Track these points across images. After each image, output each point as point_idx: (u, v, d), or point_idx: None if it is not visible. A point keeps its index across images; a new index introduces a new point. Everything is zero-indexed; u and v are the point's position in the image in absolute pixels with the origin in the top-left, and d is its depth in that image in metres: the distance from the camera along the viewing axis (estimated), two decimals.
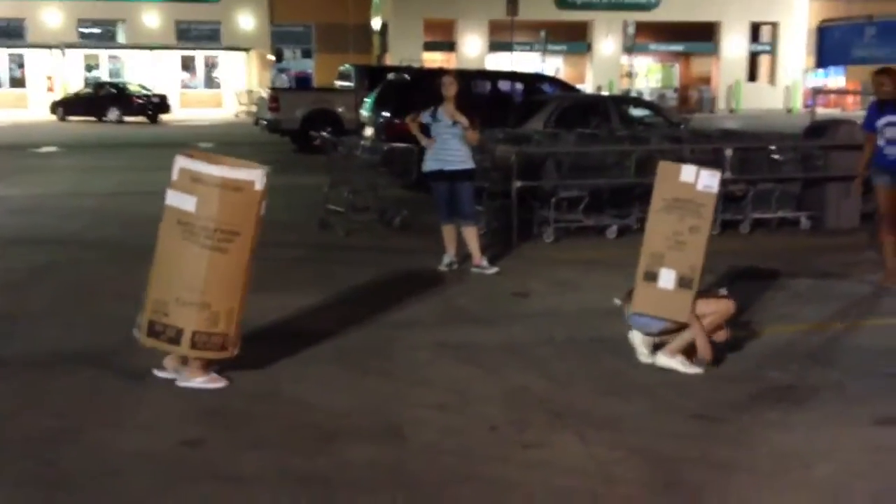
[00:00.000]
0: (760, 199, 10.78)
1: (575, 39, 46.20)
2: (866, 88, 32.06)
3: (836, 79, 43.82)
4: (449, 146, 8.44)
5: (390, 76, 17.86)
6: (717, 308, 5.76)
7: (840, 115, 17.87)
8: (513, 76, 18.55)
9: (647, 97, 31.67)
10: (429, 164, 8.60)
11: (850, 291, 7.86)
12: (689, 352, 5.77)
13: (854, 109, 36.36)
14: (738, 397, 5.28)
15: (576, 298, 7.73)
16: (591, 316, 7.09)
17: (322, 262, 9.31)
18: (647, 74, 48.32)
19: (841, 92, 34.21)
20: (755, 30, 48.27)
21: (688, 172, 5.74)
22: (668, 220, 5.74)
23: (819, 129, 11.31)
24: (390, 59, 41.31)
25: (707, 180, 5.69)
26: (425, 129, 8.62)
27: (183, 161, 5.19)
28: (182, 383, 5.45)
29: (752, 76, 48.11)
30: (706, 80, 47.91)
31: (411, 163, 11.36)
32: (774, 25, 48.02)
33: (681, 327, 5.77)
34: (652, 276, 5.76)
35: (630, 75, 42.68)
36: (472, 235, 8.66)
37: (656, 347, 5.89)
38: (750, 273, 8.50)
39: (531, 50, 44.01)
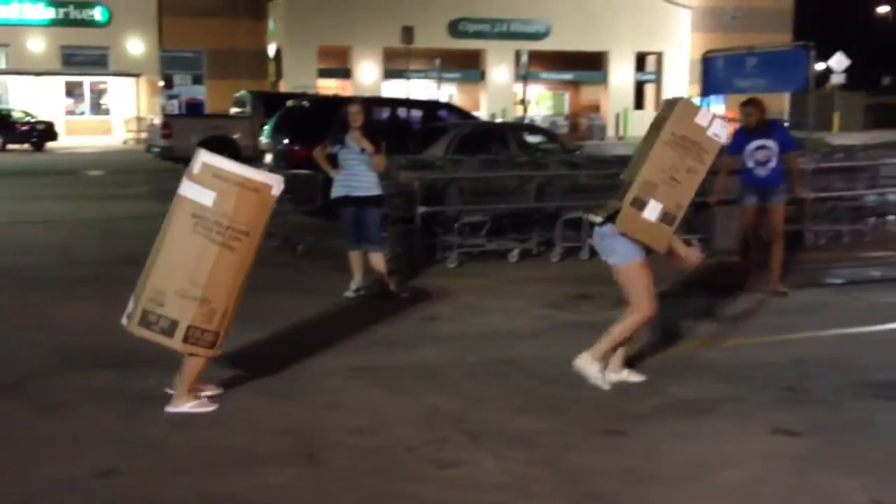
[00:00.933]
0: None
1: (469, 67, 46.95)
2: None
3: (716, 107, 45.64)
4: (357, 172, 8.54)
5: (289, 103, 17.85)
6: (687, 254, 5.86)
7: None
8: (412, 103, 18.79)
9: (539, 124, 32.32)
10: (337, 191, 8.68)
11: (742, 308, 8.23)
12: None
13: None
14: (644, 411, 5.50)
15: (483, 321, 7.89)
16: (498, 338, 7.27)
17: None
18: (539, 102, 49.41)
19: (732, 120, 35.64)
20: (641, 59, 49.94)
21: (704, 115, 5.70)
22: (670, 156, 5.63)
23: None
24: (285, 86, 41.16)
25: (718, 128, 5.69)
26: (332, 159, 8.71)
27: (206, 156, 5.32)
28: (171, 409, 5.43)
29: (639, 104, 49.70)
30: (595, 108, 49.28)
31: (315, 189, 11.40)
32: (659, 55, 49.78)
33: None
34: (640, 205, 5.61)
35: (523, 102, 43.57)
36: (379, 261, 8.76)
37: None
38: None
39: (426, 77, 44.52)
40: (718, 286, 9.04)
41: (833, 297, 8.87)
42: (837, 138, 24.62)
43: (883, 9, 63.87)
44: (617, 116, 46.76)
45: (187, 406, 5.45)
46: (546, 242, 10.90)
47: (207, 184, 5.26)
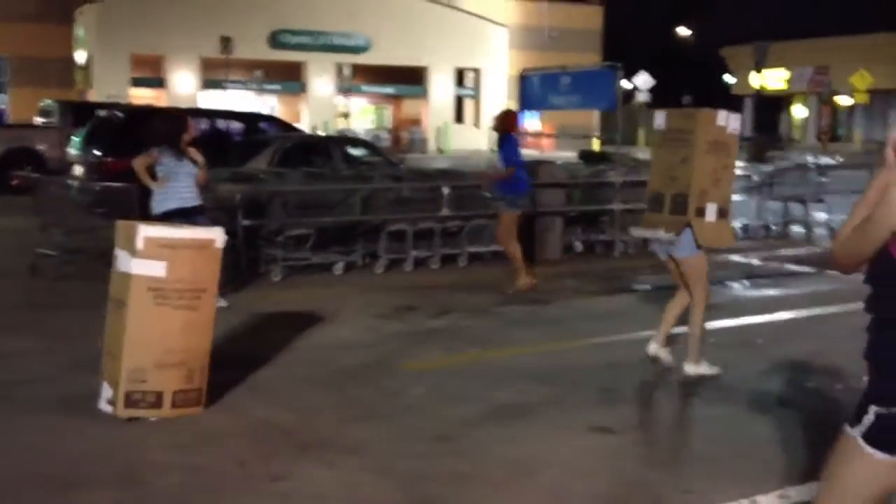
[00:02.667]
0: (475, 234, 11.49)
1: (289, 79, 46.60)
2: (560, 131, 34.93)
3: (531, 122, 47.26)
4: (185, 184, 8.47)
5: (101, 113, 17.20)
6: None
7: (540, 156, 19.35)
8: (232, 115, 18.50)
9: (362, 138, 32.51)
10: (168, 203, 8.50)
11: (556, 315, 8.61)
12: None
13: (549, 150, 39.34)
14: (469, 417, 5.68)
15: (310, 334, 7.88)
16: (327, 349, 7.30)
17: (38, 308, 8.83)
18: (361, 115, 49.60)
19: (547, 135, 36.92)
20: (460, 75, 51.05)
21: (722, 117, 6.42)
22: (709, 160, 6.33)
23: None
24: (96, 95, 39.53)
25: (735, 123, 6.45)
26: (151, 171, 8.56)
27: (147, 230, 5.44)
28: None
29: (459, 118, 50.79)
30: (417, 122, 49.95)
31: (130, 203, 11.06)
32: (477, 71, 51.04)
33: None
34: (701, 212, 6.29)
35: (346, 116, 43.65)
36: None
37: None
38: (467, 303, 9.07)
39: (245, 88, 43.86)
40: (532, 297, 9.39)
41: (640, 302, 9.42)
42: (642, 153, 26.02)
43: (683, 31, 67.92)
44: (438, 130, 47.56)
45: None
46: (370, 254, 11.01)
47: (156, 255, 5.38)
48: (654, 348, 6.66)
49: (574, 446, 5.21)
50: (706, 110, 6.59)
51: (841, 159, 20.33)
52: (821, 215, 13.81)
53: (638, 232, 7.02)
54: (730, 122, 6.45)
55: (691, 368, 6.49)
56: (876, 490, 2.61)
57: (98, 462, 4.90)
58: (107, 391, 5.51)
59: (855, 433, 2.61)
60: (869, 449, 2.58)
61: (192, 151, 8.46)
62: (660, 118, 6.71)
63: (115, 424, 5.48)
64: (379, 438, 5.30)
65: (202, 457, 5.02)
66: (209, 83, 44.07)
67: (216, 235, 5.64)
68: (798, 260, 11.50)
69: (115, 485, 4.62)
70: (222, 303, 8.60)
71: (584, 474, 4.81)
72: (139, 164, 8.59)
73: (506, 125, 9.67)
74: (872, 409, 2.59)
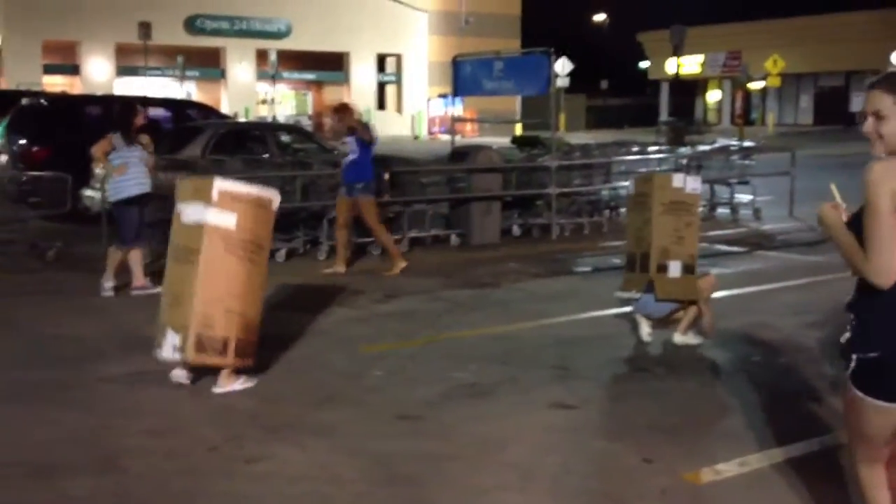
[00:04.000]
0: (415, 219, 11.61)
1: (208, 65, 45.90)
2: (482, 116, 35.14)
3: (453, 108, 47.45)
4: (140, 170, 8.62)
5: (24, 101, 16.75)
6: (711, 283, 6.90)
7: (468, 142, 19.50)
8: (161, 102, 18.20)
9: (298, 125, 32.25)
10: (130, 189, 8.63)
11: (503, 298, 8.79)
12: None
13: (472, 136, 39.55)
14: (433, 397, 5.81)
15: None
16: (276, 337, 7.30)
17: None
18: (282, 102, 49.14)
19: (475, 120, 37.11)
20: (382, 61, 50.94)
21: (678, 179, 6.96)
22: (668, 220, 6.78)
23: (461, 154, 12.41)
24: (6, 83, 38.37)
25: (693, 184, 6.94)
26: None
27: (222, 183, 5.74)
28: (219, 390, 5.77)
29: (382, 105, 50.70)
30: None
31: (63, 192, 10.88)
32: (399, 57, 51.02)
33: (684, 307, 6.82)
34: (663, 268, 6.73)
35: (266, 102, 43.16)
36: (139, 257, 8.81)
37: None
38: (414, 287, 9.18)
39: (163, 75, 43.08)
40: (477, 280, 9.57)
41: (583, 283, 9.67)
42: (567, 138, 26.39)
43: (600, 17, 68.89)
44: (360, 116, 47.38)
45: (237, 385, 5.83)
46: (312, 241, 11.03)
47: (228, 207, 5.68)
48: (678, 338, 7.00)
49: (536, 422, 5.38)
50: (660, 176, 7.21)
51: (764, 142, 20.96)
52: (746, 196, 14.28)
53: (618, 294, 7.34)
54: (688, 183, 6.91)
55: (679, 338, 6.92)
56: (886, 429, 3.08)
57: (72, 450, 4.91)
58: (172, 338, 5.67)
59: (849, 382, 3.07)
60: (859, 393, 3.04)
61: (143, 137, 8.62)
62: (630, 183, 7.33)
63: (84, 413, 5.49)
64: (346, 420, 5.39)
65: (174, 441, 5.05)
66: (125, 70, 43.16)
67: (275, 196, 6.02)
68: (727, 241, 11.89)
69: (90, 471, 4.64)
70: (156, 289, 8.66)
71: (550, 449, 4.98)
72: (99, 149, 8.63)
73: (349, 119, 9.88)
74: (854, 357, 3.06)
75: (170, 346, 5.73)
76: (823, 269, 9.93)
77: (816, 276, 9.49)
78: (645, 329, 7.03)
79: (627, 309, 7.41)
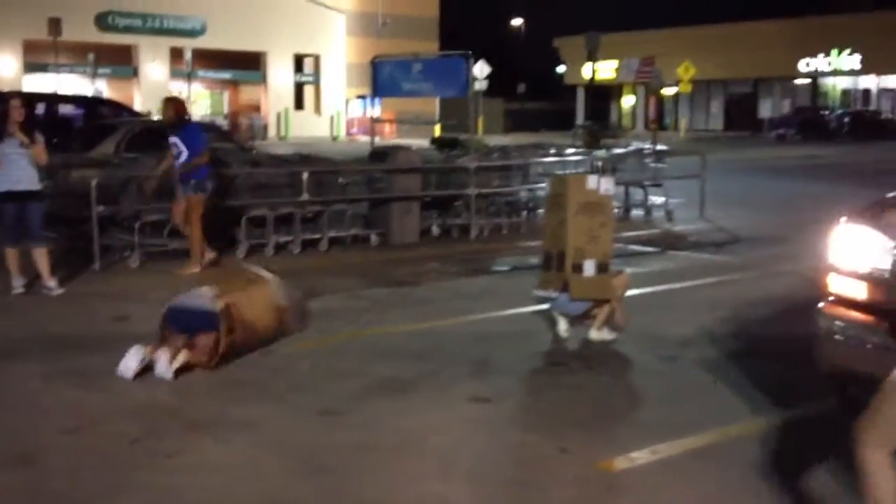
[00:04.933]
0: (334, 219, 11.62)
1: (120, 63, 44.98)
2: (400, 117, 35.24)
3: (372, 110, 47.50)
4: (19, 167, 8.41)
5: None
6: (624, 281, 7.15)
7: (389, 143, 19.56)
8: (71, 100, 17.84)
9: (212, 123, 31.82)
10: (2, 185, 8.39)
11: (424, 296, 8.87)
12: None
13: (390, 137, 39.59)
14: (355, 391, 5.87)
15: None
16: None
17: None
18: (196, 101, 48.42)
19: (394, 121, 37.11)
20: (299, 61, 50.62)
21: (592, 181, 7.03)
22: (583, 221, 6.89)
23: (381, 154, 12.47)
24: None
25: (606, 185, 7.04)
26: None
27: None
28: None
29: (300, 105, 50.36)
30: (256, 108, 49.21)
31: None
32: (316, 58, 50.76)
33: (599, 305, 6.98)
34: (578, 268, 6.86)
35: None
36: (42, 257, 8.65)
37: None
38: (334, 286, 9.21)
39: (72, 72, 42.07)
40: (397, 279, 9.64)
41: (501, 281, 9.82)
42: (485, 140, 26.63)
43: (517, 21, 69.63)
44: (278, 117, 47.01)
45: None
46: (229, 240, 10.95)
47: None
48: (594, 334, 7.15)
49: (456, 415, 5.48)
50: (574, 177, 7.36)
51: (674, 145, 21.49)
52: (658, 198, 14.65)
53: (537, 292, 7.47)
54: (601, 184, 7.05)
55: (595, 334, 7.07)
56: None
57: None
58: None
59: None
60: None
61: (28, 133, 8.37)
62: (546, 184, 7.51)
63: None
64: (268, 415, 5.41)
65: (91, 437, 5.02)
66: (33, 66, 42.01)
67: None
68: (640, 241, 12.19)
69: (6, 467, 4.58)
70: (58, 290, 8.55)
71: (469, 440, 5.08)
72: None
73: (178, 112, 9.84)
74: None
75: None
76: (732, 268, 10.30)
77: (725, 275, 9.83)
78: (562, 326, 7.19)
79: (545, 306, 7.57)
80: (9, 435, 5.05)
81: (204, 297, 6.45)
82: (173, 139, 9.69)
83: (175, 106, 9.92)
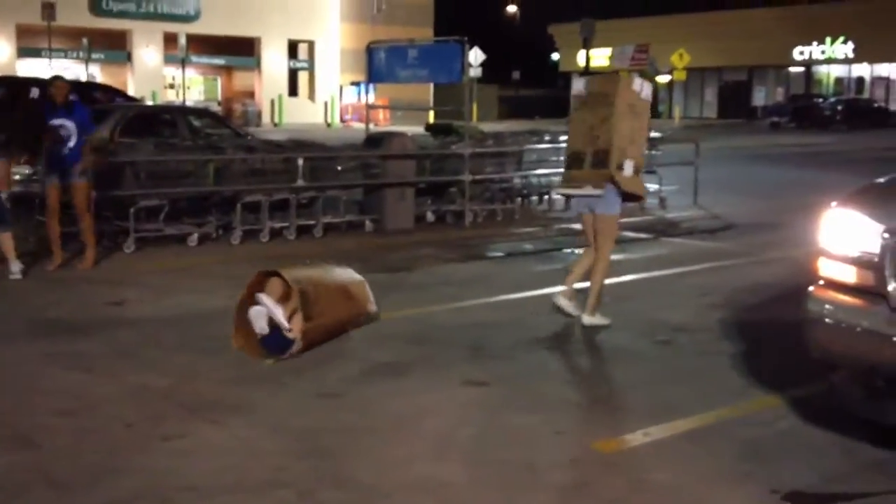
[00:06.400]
0: (329, 205, 11.65)
1: (114, 48, 44.83)
2: (396, 104, 35.23)
3: (367, 96, 47.35)
4: None
5: None
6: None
7: (381, 130, 19.54)
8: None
9: (210, 109, 31.79)
10: None
11: (418, 282, 8.92)
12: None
13: (385, 124, 39.51)
14: (352, 375, 5.91)
15: (172, 304, 7.89)
16: (194, 318, 7.35)
17: None
18: (190, 86, 48.30)
19: (388, 107, 37.11)
20: (293, 47, 50.44)
21: (637, 83, 7.06)
22: (628, 123, 6.94)
23: (375, 140, 12.48)
24: None
25: (647, 90, 7.09)
26: None
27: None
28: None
29: (294, 91, 50.22)
30: (250, 94, 49.06)
31: None
32: (311, 44, 50.59)
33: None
34: (620, 167, 6.89)
35: (173, 86, 42.34)
36: (7, 240, 8.60)
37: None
38: None
39: (66, 57, 41.92)
40: (392, 265, 9.68)
41: (495, 267, 9.87)
42: (479, 127, 26.63)
43: (511, 8, 69.47)
44: (272, 103, 46.90)
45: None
46: (224, 226, 10.98)
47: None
48: (561, 301, 7.20)
49: (451, 398, 5.54)
50: (626, 77, 7.22)
51: (669, 132, 21.53)
52: (652, 185, 14.68)
53: (563, 191, 7.55)
54: (643, 88, 7.06)
55: (588, 319, 7.07)
56: None
57: None
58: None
59: None
60: None
61: None
62: (578, 83, 7.31)
63: None
64: (265, 398, 5.46)
65: (88, 420, 5.05)
66: (27, 51, 41.85)
67: None
68: (634, 227, 12.23)
69: (6, 448, 4.62)
70: (17, 275, 8.54)
71: (464, 422, 5.14)
72: None
73: (66, 92, 9.05)
74: None
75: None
76: (725, 254, 10.35)
77: (718, 262, 9.88)
78: (567, 304, 7.22)
79: (539, 292, 7.63)
80: (6, 416, 5.08)
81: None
82: (60, 120, 8.92)
83: (65, 85, 9.13)
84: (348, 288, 6.92)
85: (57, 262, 9.09)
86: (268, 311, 6.27)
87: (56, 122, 8.93)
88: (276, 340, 6.27)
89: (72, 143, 8.95)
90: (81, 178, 9.07)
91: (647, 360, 6.37)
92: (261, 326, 6.25)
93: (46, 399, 5.40)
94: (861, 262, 4.41)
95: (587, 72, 40.94)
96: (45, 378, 5.83)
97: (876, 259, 4.34)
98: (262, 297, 6.34)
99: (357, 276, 7.14)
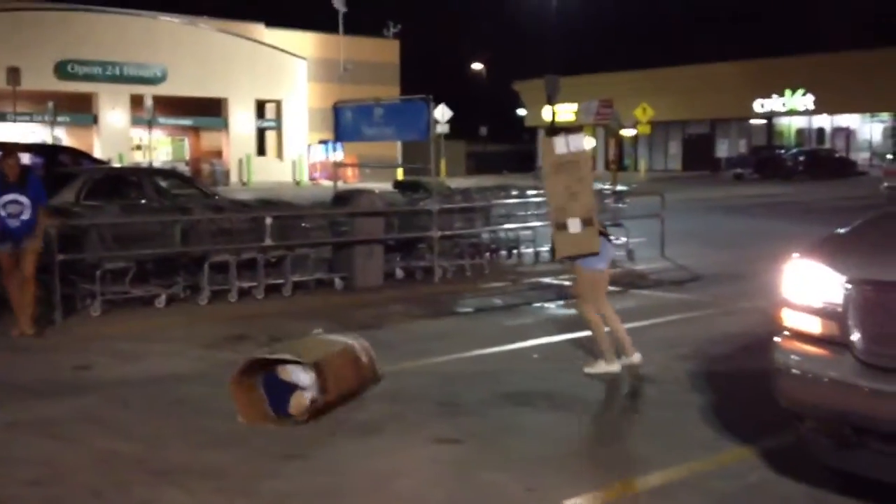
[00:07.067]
0: (298, 263, 11.62)
1: (80, 111, 44.85)
2: (364, 161, 35.42)
3: (335, 154, 47.62)
4: None
5: None
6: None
7: (352, 187, 19.62)
8: (29, 148, 17.74)
9: (177, 170, 31.76)
10: None
11: (388, 339, 8.87)
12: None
13: (353, 181, 39.69)
14: (319, 436, 5.86)
15: (140, 367, 7.81)
16: (161, 381, 7.27)
17: None
18: (157, 147, 48.31)
19: (356, 165, 37.29)
20: (261, 107, 50.73)
21: (560, 143, 7.06)
22: (559, 180, 7.00)
23: (344, 198, 12.53)
24: None
25: (576, 142, 7.06)
26: None
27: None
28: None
29: (262, 150, 50.39)
30: (218, 154, 49.14)
31: None
32: (278, 103, 50.91)
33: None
34: (563, 226, 6.98)
35: (140, 148, 42.30)
36: None
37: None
38: (298, 331, 9.17)
39: (31, 120, 41.85)
40: (361, 322, 9.67)
41: (466, 323, 9.88)
42: (447, 182, 26.84)
43: (477, 65, 70.41)
44: (240, 162, 46.98)
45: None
46: (192, 286, 10.92)
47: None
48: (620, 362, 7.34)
49: (423, 457, 5.50)
50: (545, 139, 7.31)
51: (634, 186, 21.77)
52: (620, 239, 14.80)
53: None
54: (570, 143, 7.12)
55: (587, 369, 7.30)
56: None
57: None
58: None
59: None
60: None
61: None
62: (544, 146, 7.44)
63: None
64: (234, 461, 5.39)
65: (56, 489, 4.97)
66: None
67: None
68: None
69: None
70: None
71: (436, 481, 5.10)
72: None
73: (18, 170, 8.98)
74: None
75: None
76: (693, 306, 10.43)
77: (686, 313, 9.96)
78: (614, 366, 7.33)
79: (510, 347, 7.62)
80: None
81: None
82: (12, 195, 8.86)
83: (16, 163, 9.04)
84: (358, 357, 6.88)
85: (22, 328, 8.97)
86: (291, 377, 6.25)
87: (8, 197, 8.86)
88: (281, 401, 6.23)
89: (25, 217, 8.90)
90: (34, 241, 8.94)
91: (618, 414, 6.39)
92: (298, 378, 6.22)
93: (15, 468, 5.30)
94: (824, 313, 4.47)
95: (552, 126, 41.49)
96: (14, 446, 5.73)
97: (839, 309, 4.40)
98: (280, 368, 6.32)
99: (364, 342, 7.10)
